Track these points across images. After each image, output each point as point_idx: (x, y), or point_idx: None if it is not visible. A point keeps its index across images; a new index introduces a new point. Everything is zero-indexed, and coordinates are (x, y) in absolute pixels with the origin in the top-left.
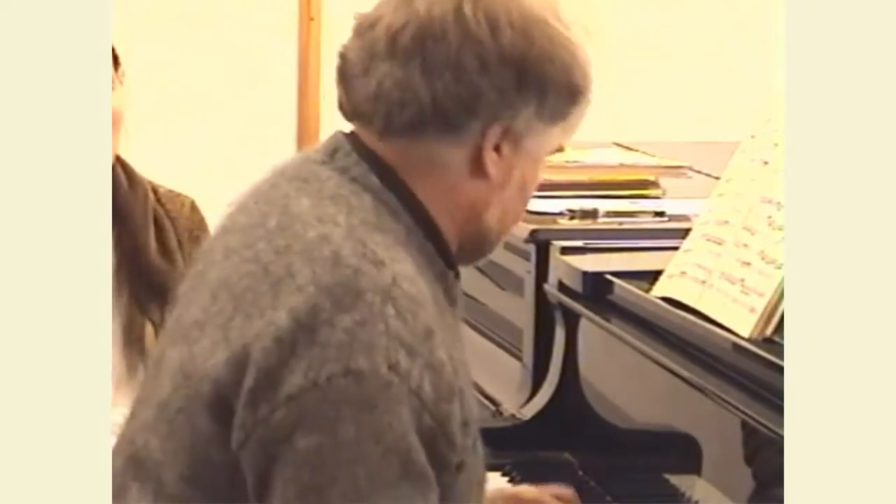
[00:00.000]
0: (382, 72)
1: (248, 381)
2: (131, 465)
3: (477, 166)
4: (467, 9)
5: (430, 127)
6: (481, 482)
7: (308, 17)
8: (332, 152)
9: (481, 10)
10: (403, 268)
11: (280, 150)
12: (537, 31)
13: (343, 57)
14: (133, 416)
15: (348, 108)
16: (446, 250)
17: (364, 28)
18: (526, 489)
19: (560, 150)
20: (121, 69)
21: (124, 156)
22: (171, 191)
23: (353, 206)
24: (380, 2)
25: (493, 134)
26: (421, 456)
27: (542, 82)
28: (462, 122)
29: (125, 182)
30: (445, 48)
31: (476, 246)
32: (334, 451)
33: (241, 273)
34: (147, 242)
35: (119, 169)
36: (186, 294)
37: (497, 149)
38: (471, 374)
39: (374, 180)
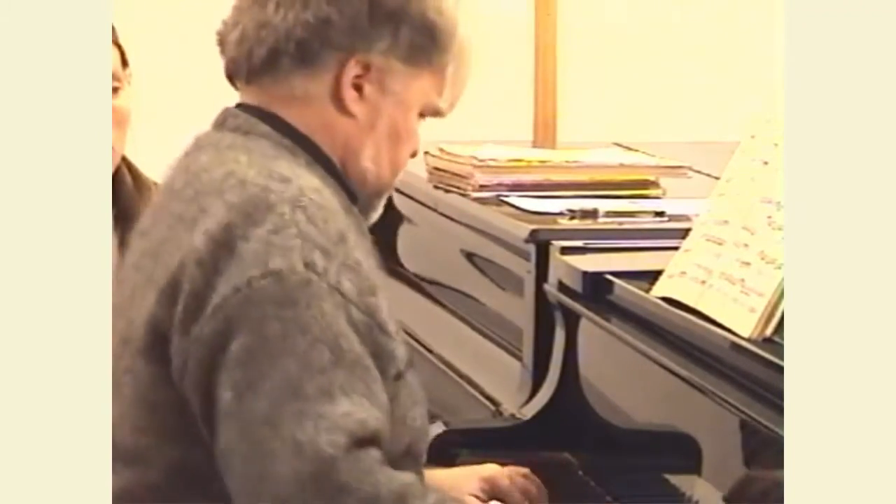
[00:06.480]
0: (247, 18)
1: (179, 309)
2: None
3: (340, 103)
4: None
5: (285, 59)
6: (422, 401)
7: None
8: (221, 123)
9: None
10: (309, 181)
11: None
12: None
13: (223, 23)
14: None
15: (227, 68)
16: (346, 184)
17: None
18: (489, 467)
19: (439, 114)
20: (128, 69)
21: (130, 156)
22: None
23: (251, 148)
24: None
25: (351, 69)
26: (354, 345)
27: (394, 14)
28: (314, 50)
29: (130, 182)
30: None
31: (358, 187)
32: (262, 348)
33: (159, 236)
34: None
35: (125, 169)
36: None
37: (360, 88)
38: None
39: (267, 128)
